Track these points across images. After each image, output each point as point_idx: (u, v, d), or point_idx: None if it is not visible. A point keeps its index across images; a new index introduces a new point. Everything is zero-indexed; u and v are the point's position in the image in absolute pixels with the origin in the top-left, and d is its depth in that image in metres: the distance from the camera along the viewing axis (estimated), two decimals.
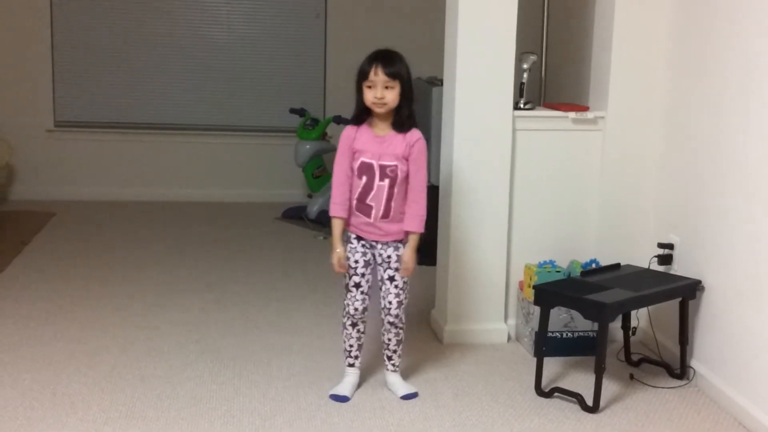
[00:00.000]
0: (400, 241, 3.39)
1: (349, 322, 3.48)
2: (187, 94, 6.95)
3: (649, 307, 3.90)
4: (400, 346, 3.53)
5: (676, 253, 3.86)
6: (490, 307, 4.10)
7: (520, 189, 4.06)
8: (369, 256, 3.42)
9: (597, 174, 4.11)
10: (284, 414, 3.30)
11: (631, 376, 3.70)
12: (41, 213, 6.30)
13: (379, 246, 3.39)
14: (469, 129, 3.94)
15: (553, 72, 5.21)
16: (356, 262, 3.40)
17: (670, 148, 3.98)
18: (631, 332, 3.87)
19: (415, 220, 3.35)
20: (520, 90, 4.09)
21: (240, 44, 6.94)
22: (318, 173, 6.32)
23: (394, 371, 3.55)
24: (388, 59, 3.28)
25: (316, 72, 7.01)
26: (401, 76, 3.27)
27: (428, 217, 3.41)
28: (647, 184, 4.10)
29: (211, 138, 7.01)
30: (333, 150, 6.26)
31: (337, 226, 3.39)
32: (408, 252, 3.36)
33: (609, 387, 3.57)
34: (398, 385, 3.52)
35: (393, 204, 3.34)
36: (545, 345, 3.56)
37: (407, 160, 3.32)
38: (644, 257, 3.96)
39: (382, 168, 3.31)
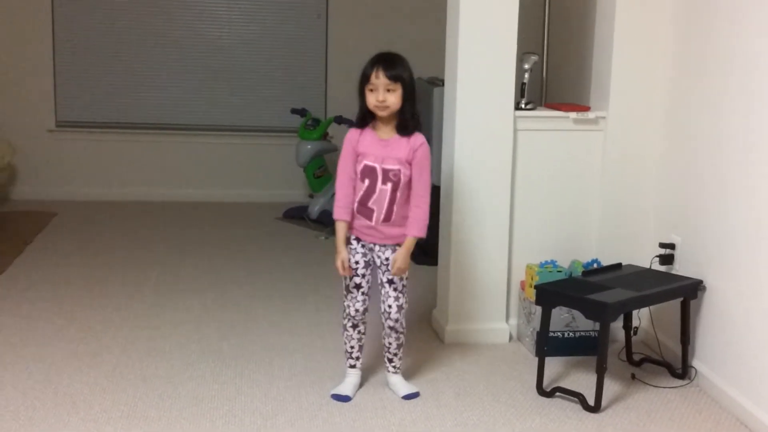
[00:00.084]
0: (400, 244, 3.39)
1: (349, 324, 3.47)
2: (188, 95, 6.95)
3: (651, 307, 3.90)
4: (401, 350, 3.53)
5: (678, 253, 3.86)
6: (492, 307, 4.10)
7: (522, 189, 4.06)
8: (369, 257, 3.42)
9: (598, 174, 4.12)
10: (286, 413, 3.31)
11: (633, 376, 3.71)
12: (43, 213, 6.30)
13: (377, 248, 3.39)
14: (470, 129, 3.94)
15: (555, 72, 5.21)
16: (357, 263, 3.40)
17: (671, 147, 3.98)
18: (632, 332, 3.88)
19: (416, 225, 3.35)
20: (521, 90, 4.09)
21: (241, 44, 6.93)
22: (319, 173, 6.32)
23: (395, 373, 3.55)
24: (389, 62, 3.28)
25: (318, 72, 7.01)
26: (403, 79, 3.27)
27: (430, 216, 3.41)
28: (648, 183, 4.10)
29: (213, 138, 7.01)
30: (334, 150, 6.30)
31: (340, 229, 3.38)
32: (402, 252, 3.35)
33: (610, 387, 3.57)
34: (400, 385, 3.52)
35: (395, 208, 3.33)
36: (547, 345, 3.57)
37: (410, 164, 3.32)
38: (645, 257, 3.96)
39: (385, 171, 3.31)
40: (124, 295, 4.62)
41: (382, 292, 3.42)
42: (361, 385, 3.54)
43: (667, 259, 3.89)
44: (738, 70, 3.43)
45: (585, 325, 3.89)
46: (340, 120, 6.20)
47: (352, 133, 3.38)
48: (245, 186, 6.99)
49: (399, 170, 3.30)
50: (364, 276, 3.42)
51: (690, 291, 3.63)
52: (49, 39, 6.72)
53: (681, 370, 3.70)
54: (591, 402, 3.38)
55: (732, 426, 3.31)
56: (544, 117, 4.09)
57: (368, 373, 3.63)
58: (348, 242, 3.41)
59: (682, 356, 3.69)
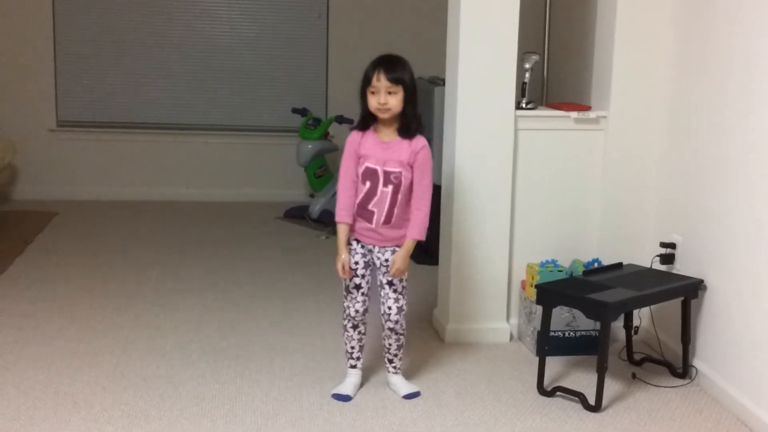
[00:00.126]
0: (399, 246, 3.38)
1: (350, 324, 3.47)
2: (189, 94, 6.95)
3: (652, 307, 3.90)
4: (401, 351, 3.53)
5: (679, 253, 3.86)
6: (493, 307, 4.10)
7: (523, 188, 4.06)
8: (369, 257, 3.42)
9: (599, 173, 4.12)
10: (287, 413, 3.31)
11: (634, 376, 3.70)
12: (43, 213, 6.30)
13: (377, 249, 3.39)
14: (471, 129, 3.94)
15: (555, 72, 5.21)
16: (356, 263, 3.40)
17: (672, 147, 3.98)
18: (633, 331, 3.88)
19: (416, 228, 3.34)
20: (522, 89, 4.09)
21: (242, 44, 6.93)
22: (320, 173, 6.32)
23: (396, 373, 3.55)
24: (390, 65, 3.27)
25: (318, 72, 7.01)
26: (404, 81, 3.26)
27: (431, 216, 3.40)
28: (649, 183, 4.10)
29: (214, 138, 7.01)
30: (335, 150, 6.31)
31: (342, 231, 3.38)
32: (401, 254, 3.35)
33: (611, 386, 3.57)
34: (400, 384, 3.52)
35: (396, 210, 3.33)
36: (547, 344, 3.56)
37: (412, 166, 3.32)
38: (646, 256, 3.96)
39: (387, 174, 3.31)
40: (125, 294, 4.62)
41: (382, 293, 3.42)
42: (361, 384, 3.54)
43: (667, 259, 3.89)
44: (738, 69, 3.43)
45: (586, 324, 3.89)
46: (340, 120, 6.20)
47: (354, 136, 3.38)
48: (246, 186, 6.99)
49: (400, 173, 3.30)
50: (363, 277, 3.42)
51: (691, 290, 3.63)
52: (50, 39, 6.72)
53: (682, 369, 3.70)
54: (592, 401, 3.38)
55: (732, 425, 3.31)
56: (545, 116, 4.09)
57: (369, 373, 3.63)
58: (348, 243, 3.41)
59: (683, 356, 3.69)
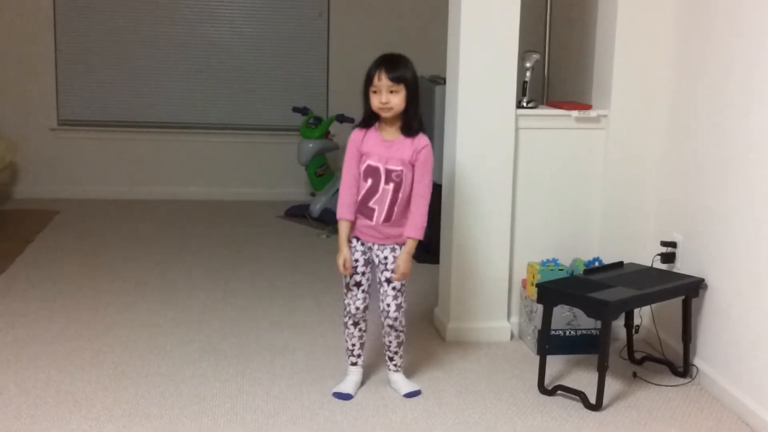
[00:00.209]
0: (398, 244, 3.39)
1: (350, 322, 3.48)
2: (190, 93, 6.95)
3: (652, 306, 3.90)
4: (401, 348, 3.53)
5: (679, 252, 3.86)
6: (493, 305, 4.10)
7: (523, 187, 4.06)
8: (369, 254, 3.42)
9: (600, 172, 4.12)
10: (288, 412, 3.31)
11: (634, 375, 3.71)
12: (44, 211, 6.30)
13: (376, 247, 3.39)
14: (471, 127, 3.94)
15: (556, 70, 5.21)
16: (356, 260, 3.41)
17: (672, 146, 3.98)
18: (634, 330, 3.87)
19: (415, 227, 3.35)
20: (522, 88, 4.09)
21: (243, 43, 6.93)
22: (321, 172, 6.32)
23: (397, 371, 3.55)
24: (391, 64, 3.28)
25: (319, 71, 7.01)
26: (406, 80, 3.27)
27: (431, 215, 3.41)
28: (650, 182, 4.10)
29: (214, 136, 7.01)
30: (336, 148, 6.31)
31: (343, 228, 3.39)
32: (403, 257, 3.35)
33: (612, 385, 3.58)
34: (401, 383, 3.52)
35: (396, 209, 3.34)
36: (548, 343, 3.57)
37: (413, 165, 3.32)
38: (647, 255, 3.96)
39: (388, 172, 3.31)
40: (126, 293, 4.62)
41: (381, 291, 3.42)
42: (362, 383, 3.54)
43: (668, 258, 3.89)
44: (739, 69, 3.43)
45: (586, 323, 3.89)
46: (341, 118, 6.20)
47: (357, 133, 3.39)
48: (247, 184, 6.99)
49: (401, 171, 3.31)
50: (364, 274, 3.42)
51: (691, 289, 3.63)
52: (51, 38, 6.72)
53: (682, 368, 3.70)
54: (592, 400, 3.38)
55: (733, 424, 3.31)
56: (545, 115, 4.09)
57: (369, 371, 3.64)
58: (348, 241, 3.41)
59: (684, 354, 3.69)
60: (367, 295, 3.44)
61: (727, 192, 3.49)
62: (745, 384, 3.36)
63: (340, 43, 6.91)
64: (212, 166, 6.99)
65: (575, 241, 4.13)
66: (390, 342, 3.49)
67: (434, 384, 3.59)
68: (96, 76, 6.83)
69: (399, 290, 3.41)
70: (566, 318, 3.90)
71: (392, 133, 3.34)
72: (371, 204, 3.35)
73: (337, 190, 3.52)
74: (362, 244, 3.40)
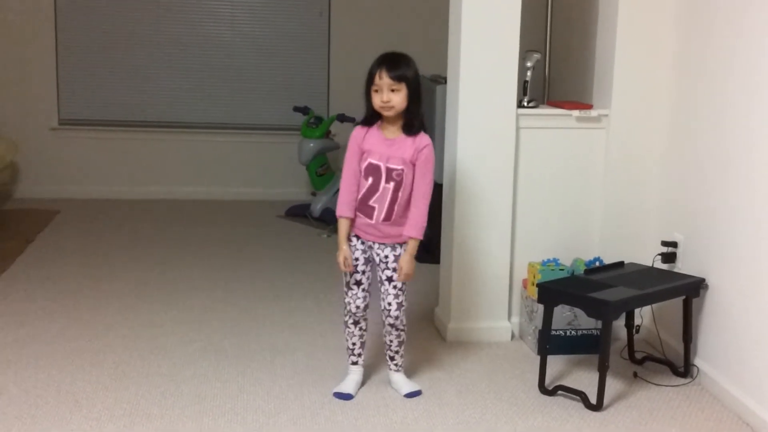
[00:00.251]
0: (398, 243, 3.39)
1: (351, 321, 3.48)
2: (191, 93, 6.95)
3: (653, 306, 3.90)
4: (402, 347, 3.53)
5: (680, 251, 3.86)
6: (494, 305, 4.10)
7: (524, 187, 4.06)
8: (369, 253, 3.42)
9: (601, 172, 4.11)
10: (288, 412, 3.31)
11: (635, 375, 3.70)
12: (45, 211, 6.30)
13: (376, 246, 3.39)
14: (472, 127, 3.94)
15: (557, 70, 5.20)
16: (356, 259, 3.41)
17: (673, 146, 3.97)
18: (634, 330, 3.87)
19: (415, 226, 3.34)
20: (523, 88, 4.09)
21: (243, 42, 6.93)
22: (322, 171, 6.31)
23: (397, 371, 3.55)
24: (393, 62, 3.28)
25: (320, 70, 7.01)
26: (407, 79, 3.26)
27: (432, 214, 3.40)
28: (651, 182, 4.09)
29: (215, 136, 7.01)
30: (336, 148, 6.30)
31: (343, 225, 3.39)
32: (406, 257, 3.35)
33: (612, 385, 3.57)
34: (402, 383, 3.52)
35: (396, 208, 3.33)
36: (549, 343, 3.56)
37: (414, 165, 3.32)
38: (648, 255, 3.96)
39: (389, 171, 3.31)
40: (126, 293, 4.62)
41: (382, 289, 3.42)
42: (363, 382, 3.54)
43: (669, 258, 3.89)
44: (739, 68, 3.42)
45: (587, 323, 3.89)
46: (342, 118, 6.20)
47: (358, 131, 3.39)
48: (247, 184, 6.99)
49: (402, 170, 3.31)
50: (364, 272, 3.42)
51: (692, 289, 3.63)
52: (52, 37, 6.72)
53: (683, 368, 3.70)
54: (593, 400, 3.38)
55: (734, 424, 3.31)
56: (546, 115, 4.09)
57: (370, 371, 3.64)
58: (348, 239, 3.41)
59: (684, 355, 3.69)
60: (367, 294, 3.44)
61: (728, 192, 3.49)
62: (745, 384, 3.36)
63: (341, 43, 6.91)
64: (213, 166, 6.99)
65: (576, 240, 4.13)
66: (391, 341, 3.49)
67: (435, 384, 3.59)
68: (97, 76, 6.83)
69: (400, 289, 3.41)
70: (567, 318, 3.90)
71: (394, 132, 3.34)
72: (371, 202, 3.34)
73: (338, 190, 3.51)
74: (362, 243, 3.40)
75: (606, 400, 3.40)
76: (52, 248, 5.42)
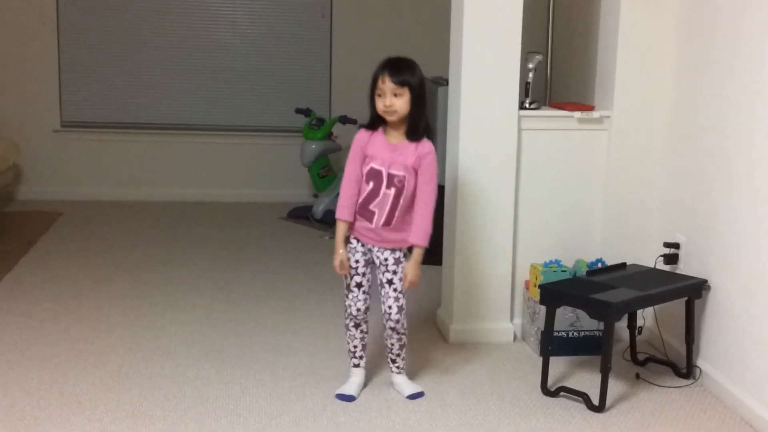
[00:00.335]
0: (398, 249, 3.38)
1: (352, 323, 3.48)
2: (193, 95, 6.96)
3: (655, 307, 3.90)
4: (404, 350, 3.53)
5: (682, 253, 3.86)
6: (496, 307, 4.10)
7: (526, 188, 4.06)
8: (369, 256, 3.42)
9: (602, 173, 4.11)
10: (290, 413, 3.31)
11: (637, 376, 3.70)
12: (48, 213, 6.31)
13: (376, 249, 3.39)
14: (474, 128, 3.94)
15: (559, 72, 5.21)
16: (357, 261, 3.41)
17: (675, 147, 3.97)
18: (637, 331, 3.87)
19: (421, 235, 3.33)
20: (525, 89, 4.09)
21: (245, 44, 6.94)
22: (324, 173, 6.32)
23: (399, 373, 3.55)
24: (395, 67, 3.28)
25: (322, 72, 7.01)
26: (410, 83, 3.26)
27: (434, 216, 3.40)
28: (653, 183, 4.09)
29: (217, 138, 7.01)
30: (338, 150, 6.31)
31: (341, 228, 3.39)
32: (411, 265, 3.35)
33: (615, 386, 3.57)
34: (404, 384, 3.52)
35: (397, 213, 3.33)
36: (551, 344, 3.56)
37: (416, 171, 3.32)
38: (650, 257, 3.96)
39: (391, 176, 3.31)
40: (129, 295, 4.63)
41: (382, 292, 3.42)
42: (365, 384, 3.54)
43: (671, 259, 3.89)
44: (741, 69, 3.42)
45: (589, 324, 3.88)
46: (344, 120, 6.20)
47: (362, 134, 3.38)
48: (249, 186, 6.99)
49: (404, 177, 3.30)
50: (364, 275, 3.42)
51: (694, 290, 3.63)
52: (54, 39, 6.73)
53: (686, 369, 3.70)
54: (595, 402, 3.38)
55: (737, 426, 3.31)
56: (548, 116, 4.09)
57: (372, 373, 3.64)
58: (348, 241, 3.41)
59: (687, 356, 3.69)
60: (368, 296, 3.44)
61: (731, 192, 3.49)
62: (748, 385, 3.35)
63: (343, 44, 6.92)
64: (215, 168, 6.99)
65: (578, 242, 4.13)
66: (392, 344, 3.49)
67: (437, 385, 3.59)
68: (99, 78, 6.84)
69: (400, 292, 3.40)
70: (569, 319, 3.90)
71: (397, 137, 3.34)
72: (371, 207, 3.34)
73: None
74: (362, 245, 3.40)
75: (608, 402, 3.40)
76: (55, 250, 5.43)
